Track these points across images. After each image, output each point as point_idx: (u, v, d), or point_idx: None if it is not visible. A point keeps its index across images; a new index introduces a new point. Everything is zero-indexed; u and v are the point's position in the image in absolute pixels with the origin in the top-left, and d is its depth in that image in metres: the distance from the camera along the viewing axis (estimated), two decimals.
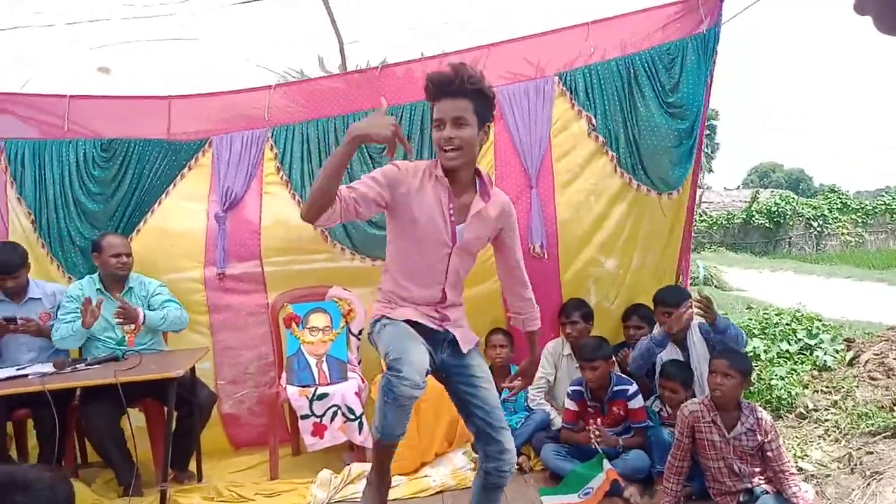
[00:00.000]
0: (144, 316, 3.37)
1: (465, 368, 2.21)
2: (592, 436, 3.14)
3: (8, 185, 3.85)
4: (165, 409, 3.08)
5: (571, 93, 3.73)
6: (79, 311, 3.31)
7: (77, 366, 3.01)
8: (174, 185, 3.92)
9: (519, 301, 2.37)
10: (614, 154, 3.71)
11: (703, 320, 3.14)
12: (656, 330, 3.35)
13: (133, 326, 3.43)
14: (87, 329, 3.26)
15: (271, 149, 3.90)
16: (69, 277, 3.78)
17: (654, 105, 3.62)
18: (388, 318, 2.12)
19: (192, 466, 3.49)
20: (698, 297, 3.12)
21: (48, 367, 2.97)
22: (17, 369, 3.00)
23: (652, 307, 3.53)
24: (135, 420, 3.21)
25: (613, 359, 3.36)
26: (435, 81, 2.00)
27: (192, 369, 3.24)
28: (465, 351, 2.21)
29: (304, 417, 3.40)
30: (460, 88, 1.98)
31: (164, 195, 3.91)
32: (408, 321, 2.09)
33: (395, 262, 2.20)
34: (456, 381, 2.24)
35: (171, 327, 3.53)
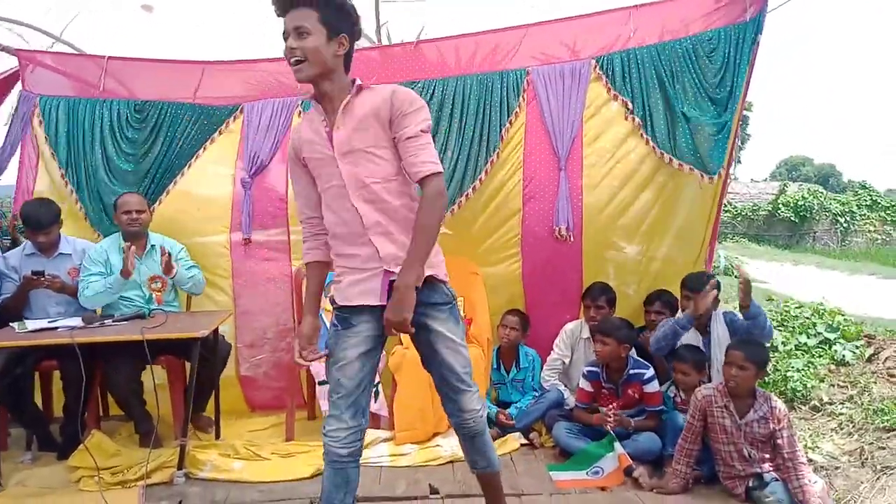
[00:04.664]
0: (176, 270, 3.48)
1: (422, 328, 2.03)
2: (607, 418, 3.16)
3: (41, 141, 3.94)
4: (187, 365, 3.16)
5: (608, 77, 3.67)
6: (101, 273, 3.40)
7: (105, 321, 3.09)
8: (204, 148, 3.98)
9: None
10: (650, 137, 3.59)
11: (728, 307, 3.13)
12: (680, 313, 3.34)
13: (160, 284, 3.51)
14: (125, 279, 3.31)
15: (299, 115, 3.91)
16: (98, 235, 3.86)
17: (692, 93, 3.53)
18: (334, 313, 2.08)
19: (210, 411, 3.60)
20: (741, 280, 3.04)
21: (77, 321, 3.05)
22: (49, 321, 3.09)
23: (676, 295, 3.54)
24: (156, 376, 3.29)
25: (629, 344, 3.34)
26: None
27: (215, 331, 3.32)
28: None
29: (322, 383, 3.45)
30: None
31: (193, 159, 3.97)
32: (349, 307, 2.03)
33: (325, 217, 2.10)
34: (415, 340, 2.12)
35: (193, 289, 3.65)
